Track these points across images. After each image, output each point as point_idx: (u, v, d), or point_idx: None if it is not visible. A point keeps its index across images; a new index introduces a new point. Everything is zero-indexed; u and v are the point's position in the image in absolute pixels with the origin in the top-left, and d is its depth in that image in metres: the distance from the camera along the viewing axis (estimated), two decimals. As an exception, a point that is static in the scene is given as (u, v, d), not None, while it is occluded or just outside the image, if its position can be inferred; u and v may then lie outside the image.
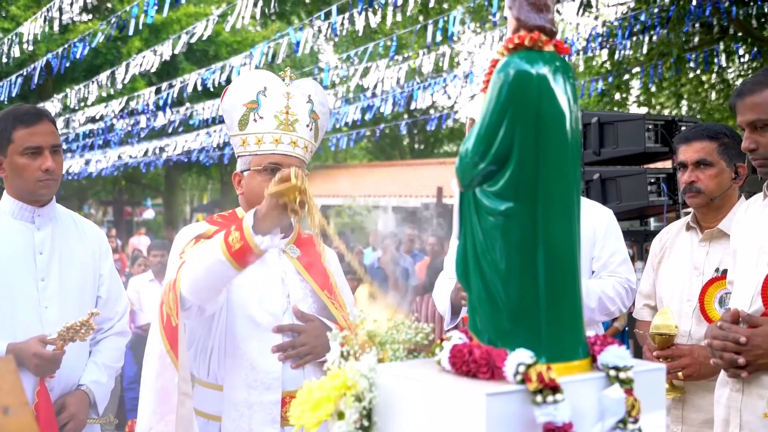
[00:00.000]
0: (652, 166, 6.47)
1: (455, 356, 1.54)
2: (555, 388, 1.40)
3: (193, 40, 10.94)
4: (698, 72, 14.44)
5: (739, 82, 13.22)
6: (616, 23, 12.39)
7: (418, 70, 14.33)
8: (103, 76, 13.60)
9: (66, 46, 11.75)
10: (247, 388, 2.89)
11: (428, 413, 1.50)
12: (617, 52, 12.85)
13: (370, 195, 26.05)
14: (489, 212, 1.55)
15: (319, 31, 11.38)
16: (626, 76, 14.61)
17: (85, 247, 3.36)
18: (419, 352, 1.74)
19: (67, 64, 11.74)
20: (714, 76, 15.47)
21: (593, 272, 3.79)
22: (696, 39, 12.47)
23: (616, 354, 1.54)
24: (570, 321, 1.57)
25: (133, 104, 16.30)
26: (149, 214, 37.34)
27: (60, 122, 16.78)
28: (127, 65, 12.77)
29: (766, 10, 11.50)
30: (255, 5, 9.43)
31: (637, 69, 13.91)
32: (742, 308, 2.67)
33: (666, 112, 18.13)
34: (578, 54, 13.17)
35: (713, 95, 16.50)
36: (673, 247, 3.57)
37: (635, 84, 15.92)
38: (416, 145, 36.79)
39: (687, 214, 3.74)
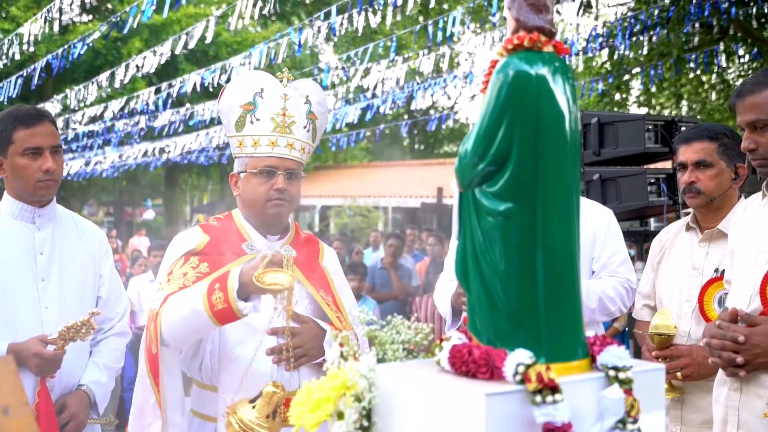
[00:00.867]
0: (652, 166, 6.47)
1: (455, 356, 1.54)
2: (554, 389, 1.41)
3: (192, 45, 10.92)
4: (698, 72, 14.44)
5: (739, 82, 13.20)
6: (616, 24, 12.38)
7: (418, 70, 14.34)
8: (102, 77, 13.60)
9: (66, 46, 11.74)
10: (242, 390, 2.89)
11: (428, 413, 1.50)
12: (617, 52, 12.85)
13: (370, 195, 26.05)
14: (488, 213, 1.55)
15: (319, 31, 11.38)
16: (626, 77, 14.61)
17: (86, 248, 3.36)
18: (419, 352, 1.74)
19: (67, 65, 11.73)
20: (714, 76, 15.47)
21: (593, 272, 3.79)
22: (696, 39, 12.47)
23: (615, 354, 1.54)
24: (569, 321, 1.57)
25: (132, 104, 16.30)
26: (149, 214, 37.33)
27: (60, 123, 16.78)
28: (127, 66, 12.77)
29: (766, 11, 11.50)
30: (255, 5, 9.42)
31: (637, 69, 13.91)
32: (741, 307, 2.68)
33: (666, 112, 18.13)
34: (578, 54, 13.16)
35: (713, 96, 16.50)
36: (673, 248, 3.57)
37: (635, 84, 15.92)
38: (416, 146, 36.80)
39: (687, 214, 3.74)
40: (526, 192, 1.52)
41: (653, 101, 17.99)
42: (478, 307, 1.58)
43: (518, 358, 1.44)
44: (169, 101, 14.99)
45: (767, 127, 2.69)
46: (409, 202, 24.67)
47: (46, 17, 10.55)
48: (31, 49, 11.18)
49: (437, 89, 14.94)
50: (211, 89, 12.90)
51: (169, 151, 20.18)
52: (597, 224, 3.78)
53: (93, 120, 17.76)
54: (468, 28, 14.96)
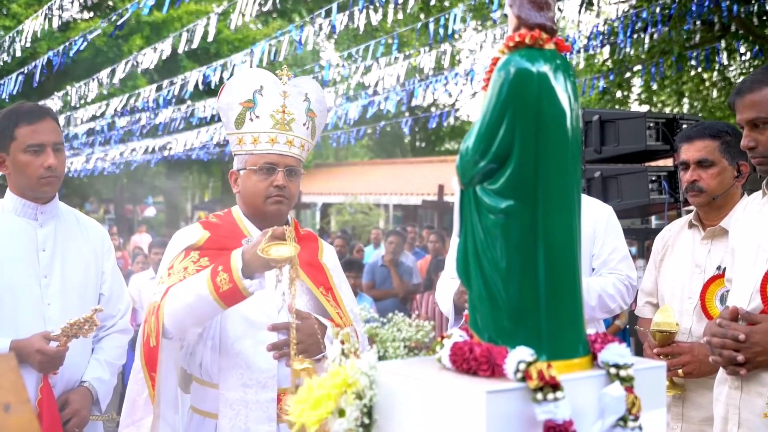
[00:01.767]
0: (653, 164, 6.46)
1: (456, 354, 1.54)
2: (555, 386, 1.41)
3: (195, 45, 10.91)
4: (699, 70, 14.44)
5: (740, 80, 13.21)
6: (617, 21, 12.38)
7: (419, 67, 14.33)
8: (103, 74, 13.59)
9: (67, 43, 11.74)
10: (243, 386, 2.90)
11: (429, 411, 1.50)
12: (618, 50, 12.84)
13: (371, 193, 26.05)
14: (489, 210, 1.55)
15: (320, 28, 11.38)
16: (627, 74, 14.62)
17: (88, 245, 3.37)
18: (420, 349, 1.74)
19: (68, 62, 11.73)
20: (715, 74, 15.47)
21: (593, 269, 3.79)
22: (697, 37, 12.46)
23: (616, 352, 1.54)
24: (570, 319, 1.57)
25: (134, 102, 16.30)
26: (150, 212, 37.37)
27: (61, 120, 16.76)
28: (127, 62, 12.76)
29: (767, 8, 11.49)
30: (255, 2, 9.41)
31: (638, 67, 13.90)
32: (741, 306, 2.67)
33: (667, 110, 18.12)
34: (579, 52, 13.16)
35: (714, 93, 16.50)
36: (675, 245, 3.57)
37: (636, 82, 15.93)
38: (417, 143, 36.78)
39: (688, 212, 3.74)
40: (527, 189, 1.52)
41: (654, 99, 17.98)
42: (479, 305, 1.58)
43: (519, 355, 1.44)
44: (173, 100, 14.99)
45: (767, 125, 2.69)
46: (410, 200, 24.67)
47: (46, 14, 10.54)
48: (29, 44, 11.16)
49: (438, 86, 14.93)
50: (212, 86, 12.90)
51: (170, 149, 20.18)
52: (597, 221, 3.78)
53: (94, 118, 17.76)
54: (469, 25, 14.96)
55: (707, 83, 16.30)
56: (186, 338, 2.90)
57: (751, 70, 13.87)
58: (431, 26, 11.54)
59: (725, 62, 13.95)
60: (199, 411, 2.97)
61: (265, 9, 9.70)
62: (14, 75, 12.72)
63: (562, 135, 1.53)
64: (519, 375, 1.43)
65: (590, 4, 12.54)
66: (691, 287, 3.40)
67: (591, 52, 14.03)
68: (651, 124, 5.87)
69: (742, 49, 13.25)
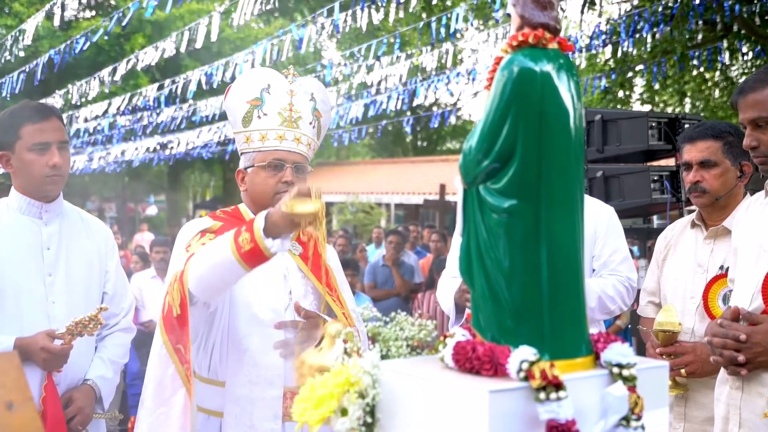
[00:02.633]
0: (655, 163, 6.46)
1: (458, 353, 1.54)
2: (558, 386, 1.41)
3: (199, 44, 10.90)
4: (702, 70, 14.44)
5: (742, 79, 13.20)
6: (619, 21, 12.37)
7: (421, 67, 14.32)
8: (104, 72, 13.59)
9: (69, 42, 11.74)
10: (249, 383, 2.90)
11: (431, 410, 1.50)
12: (620, 49, 12.83)
13: (372, 192, 26.04)
14: (492, 210, 1.55)
15: (322, 27, 11.38)
16: (630, 74, 14.60)
17: (92, 244, 3.38)
18: (422, 348, 1.74)
19: (71, 60, 11.73)
20: (717, 73, 15.47)
21: (594, 270, 3.79)
22: (699, 36, 12.45)
23: (619, 351, 1.54)
24: (573, 318, 1.57)
25: (135, 101, 16.30)
26: (152, 210, 37.39)
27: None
28: (128, 61, 12.77)
29: (769, 8, 11.49)
30: (257, 1, 9.41)
31: (640, 66, 13.89)
32: (743, 306, 2.67)
33: (669, 109, 18.11)
34: (581, 51, 13.14)
35: (717, 93, 16.50)
36: (678, 245, 3.57)
37: (639, 81, 15.92)
38: (419, 142, 36.76)
39: (690, 211, 3.74)
40: (530, 189, 1.52)
41: (657, 98, 17.98)
42: (482, 304, 1.58)
43: (522, 355, 1.44)
44: (176, 99, 14.99)
45: None
46: (411, 199, 24.66)
47: (47, 12, 10.54)
48: (28, 41, 11.15)
49: (440, 86, 14.93)
50: (214, 86, 12.90)
51: (171, 148, 20.18)
52: (597, 222, 3.78)
53: (96, 116, 17.77)
54: (471, 24, 14.95)
55: (709, 83, 16.29)
56: (208, 303, 2.81)
57: (754, 69, 13.86)
58: (433, 25, 11.53)
59: (727, 62, 13.95)
60: (203, 410, 2.97)
61: (266, 8, 9.68)
62: (15, 73, 12.72)
63: (566, 134, 1.53)
64: (522, 374, 1.43)
65: (592, 3, 12.54)
66: (693, 287, 3.39)
67: (593, 51, 14.02)
68: (653, 124, 5.87)
69: (745, 49, 13.23)
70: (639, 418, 1.49)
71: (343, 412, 1.55)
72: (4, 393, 1.64)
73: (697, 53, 12.50)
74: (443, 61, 13.66)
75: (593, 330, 1.66)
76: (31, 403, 1.68)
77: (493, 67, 1.59)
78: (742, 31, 12.24)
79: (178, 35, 11.49)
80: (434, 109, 22.97)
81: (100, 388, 3.28)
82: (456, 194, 1.65)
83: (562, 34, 1.61)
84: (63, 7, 10.17)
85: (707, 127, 3.47)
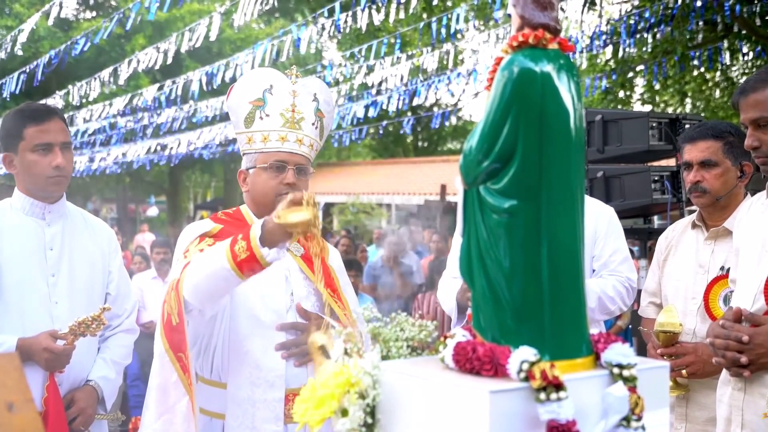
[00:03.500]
0: (655, 163, 6.46)
1: (459, 354, 1.54)
2: (558, 386, 1.41)
3: (198, 44, 10.90)
4: (702, 70, 14.43)
5: (743, 79, 13.18)
6: (620, 21, 12.37)
7: (422, 67, 14.32)
8: (105, 73, 13.59)
9: (69, 42, 11.75)
10: (251, 385, 2.90)
11: (432, 410, 1.50)
12: (621, 49, 12.83)
13: (373, 192, 26.05)
14: (493, 210, 1.55)
15: (323, 28, 11.38)
16: (630, 74, 14.60)
17: (95, 244, 3.39)
18: (423, 349, 1.74)
19: (70, 60, 11.72)
20: (718, 73, 15.46)
21: (594, 271, 3.78)
22: (700, 37, 12.45)
23: (619, 352, 1.54)
24: (573, 318, 1.57)
25: (136, 101, 16.30)
26: (153, 211, 37.41)
27: (63, 119, 16.70)
28: (129, 62, 12.77)
29: (769, 8, 11.49)
30: (257, 2, 9.41)
31: (641, 67, 13.89)
32: (745, 307, 2.67)
33: (670, 110, 18.10)
34: (582, 52, 13.14)
35: (717, 93, 16.49)
36: (679, 245, 3.57)
37: (639, 82, 15.91)
38: (420, 143, 36.76)
39: (691, 212, 3.73)
40: (530, 189, 1.52)
41: (657, 99, 17.97)
42: (482, 305, 1.58)
43: (522, 355, 1.44)
44: (177, 99, 14.98)
45: None
46: (412, 200, 24.65)
47: (45, 11, 10.53)
48: (24, 38, 11.13)
49: (441, 86, 14.93)
50: (215, 86, 12.90)
51: (172, 148, 20.18)
52: (598, 222, 3.78)
53: (97, 117, 17.77)
54: (472, 25, 14.94)
55: (710, 83, 16.29)
56: (203, 311, 2.82)
57: (754, 69, 13.86)
58: (434, 26, 11.53)
59: (728, 62, 13.95)
60: (205, 412, 2.96)
61: (267, 8, 9.69)
62: (15, 74, 12.71)
63: (566, 135, 1.53)
64: (522, 375, 1.43)
65: (593, 4, 12.53)
66: (694, 287, 3.39)
67: (594, 52, 14.02)
68: (654, 124, 5.87)
69: (745, 49, 13.22)
70: (639, 419, 1.49)
71: (344, 412, 1.55)
72: (5, 393, 1.64)
73: (697, 53, 12.50)
74: (444, 61, 13.66)
75: (594, 330, 1.66)
76: (32, 403, 1.68)
77: (494, 67, 1.59)
78: (743, 31, 12.24)
79: (179, 36, 11.49)
80: (435, 109, 22.97)
81: (103, 389, 3.28)
82: (457, 194, 1.65)
83: (562, 35, 1.61)
84: (61, 6, 10.13)
85: (708, 127, 3.47)
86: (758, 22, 11.96)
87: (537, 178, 1.52)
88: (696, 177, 3.40)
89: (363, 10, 10.44)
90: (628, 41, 11.99)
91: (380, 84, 14.55)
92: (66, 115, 16.77)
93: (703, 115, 15.85)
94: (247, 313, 2.93)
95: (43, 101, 10.58)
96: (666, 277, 3.57)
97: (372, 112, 15.49)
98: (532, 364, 1.42)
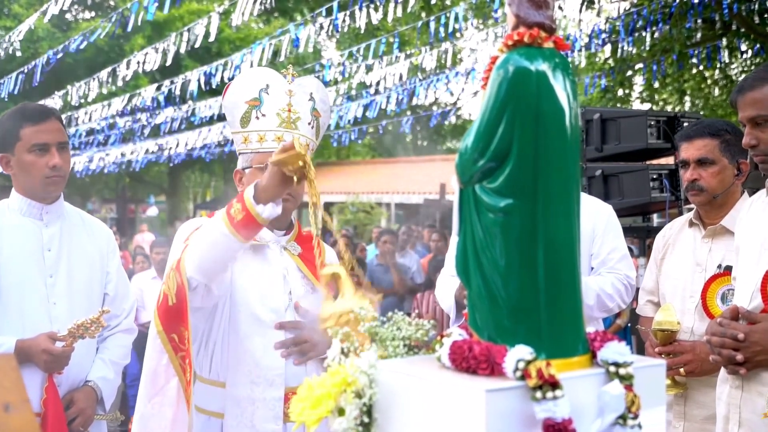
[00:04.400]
0: (654, 162, 6.47)
1: (455, 353, 1.54)
2: (554, 384, 1.41)
3: (198, 44, 10.90)
4: (701, 68, 14.42)
5: (741, 77, 13.17)
6: (618, 19, 12.36)
7: (421, 66, 14.32)
8: (104, 73, 13.59)
9: (67, 42, 11.74)
10: (251, 384, 2.90)
11: (428, 409, 1.50)
12: (620, 48, 12.83)
13: (373, 192, 26.04)
14: (489, 209, 1.55)
15: (321, 27, 11.37)
16: (629, 73, 14.60)
17: (93, 245, 3.39)
18: (419, 348, 1.74)
19: (68, 60, 11.72)
20: (717, 72, 15.45)
21: (592, 269, 3.79)
22: (698, 35, 12.45)
23: (615, 350, 1.54)
24: (570, 317, 1.57)
25: (135, 101, 16.29)
26: (153, 211, 37.36)
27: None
28: (128, 62, 12.76)
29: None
30: (255, 1, 9.41)
31: (639, 65, 13.89)
32: (743, 305, 2.67)
33: (669, 108, 18.09)
34: (581, 50, 13.13)
35: (716, 91, 16.48)
36: (676, 244, 3.57)
37: (638, 80, 15.90)
38: (419, 142, 36.77)
39: (689, 210, 3.74)
40: (526, 188, 1.52)
41: (656, 97, 17.96)
42: (478, 303, 1.58)
43: (518, 354, 1.44)
44: (176, 99, 14.98)
45: None
46: (411, 199, 24.65)
47: (43, 11, 10.51)
48: (21, 36, 11.12)
49: (440, 85, 14.92)
50: (214, 86, 12.90)
51: (171, 149, 20.18)
52: (596, 220, 3.78)
53: (96, 117, 17.77)
54: (471, 24, 14.94)
55: (708, 81, 16.28)
56: (210, 286, 2.80)
57: (753, 67, 13.85)
58: (432, 25, 11.52)
59: (726, 60, 13.93)
60: (204, 411, 2.96)
61: (266, 7, 9.68)
62: (14, 74, 12.71)
63: (561, 133, 1.53)
64: (518, 373, 1.43)
65: (591, 2, 12.53)
66: (692, 286, 3.39)
67: (592, 50, 14.02)
68: (652, 123, 5.88)
69: (744, 47, 13.22)
70: (636, 417, 1.49)
71: (341, 412, 1.55)
72: (2, 394, 1.64)
73: (696, 51, 12.50)
74: (443, 60, 13.65)
75: (591, 329, 1.66)
76: (29, 404, 1.68)
77: (489, 66, 1.59)
78: (741, 30, 12.24)
79: (177, 36, 11.48)
80: (434, 108, 22.96)
81: (102, 390, 3.29)
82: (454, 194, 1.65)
83: (561, 34, 1.61)
84: (57, 3, 10.11)
85: (705, 125, 3.48)
86: (757, 19, 11.95)
87: (532, 177, 1.52)
88: (693, 175, 3.41)
89: (361, 10, 10.43)
90: (626, 40, 11.98)
91: (378, 83, 14.54)
92: (65, 116, 16.80)
93: (702, 113, 15.85)
94: (246, 312, 2.94)
95: (41, 102, 10.59)
96: (663, 275, 3.57)
97: (371, 112, 15.48)
98: (528, 362, 1.42)
